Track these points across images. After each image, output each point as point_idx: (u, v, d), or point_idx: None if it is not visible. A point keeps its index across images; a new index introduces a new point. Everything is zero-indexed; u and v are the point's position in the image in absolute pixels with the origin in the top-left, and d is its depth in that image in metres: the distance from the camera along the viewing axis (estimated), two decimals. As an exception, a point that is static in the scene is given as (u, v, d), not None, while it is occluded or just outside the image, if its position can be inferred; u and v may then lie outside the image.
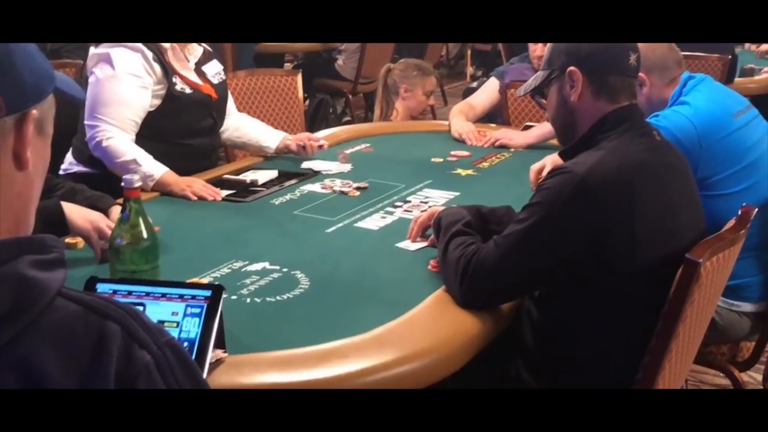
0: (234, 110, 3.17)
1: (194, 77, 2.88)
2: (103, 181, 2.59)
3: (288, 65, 7.07)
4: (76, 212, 2.02)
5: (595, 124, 1.85)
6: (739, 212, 1.90)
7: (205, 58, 2.98)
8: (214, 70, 3.00)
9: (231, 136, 3.13)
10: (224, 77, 3.05)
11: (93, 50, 2.77)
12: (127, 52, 2.72)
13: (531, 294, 1.90)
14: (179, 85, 2.80)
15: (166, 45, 2.80)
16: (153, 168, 2.64)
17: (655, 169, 1.80)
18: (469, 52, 9.26)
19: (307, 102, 5.99)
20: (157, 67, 2.76)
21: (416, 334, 1.71)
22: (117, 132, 2.67)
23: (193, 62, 2.92)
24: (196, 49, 2.95)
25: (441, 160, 3.16)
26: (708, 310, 1.93)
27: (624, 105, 1.86)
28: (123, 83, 2.70)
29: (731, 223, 1.88)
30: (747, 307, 2.47)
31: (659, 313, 1.72)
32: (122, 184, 1.68)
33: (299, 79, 4.01)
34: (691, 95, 2.45)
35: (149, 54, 2.74)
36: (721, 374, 2.54)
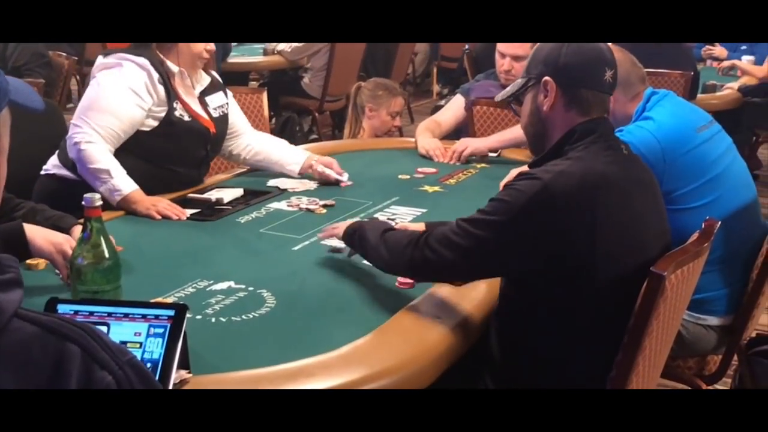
0: (249, 129, 3.14)
1: (196, 106, 2.86)
2: (83, 189, 2.49)
3: (253, 83, 7.06)
4: (39, 234, 1.96)
5: (564, 135, 1.87)
6: (703, 225, 1.91)
7: (211, 88, 2.95)
8: (218, 102, 2.97)
9: (249, 156, 3.10)
10: (226, 111, 3.00)
11: (101, 59, 2.77)
12: (134, 68, 2.72)
13: (497, 308, 1.90)
14: (179, 111, 2.78)
15: (175, 68, 2.79)
16: (123, 183, 2.62)
17: (621, 182, 1.80)
18: (435, 70, 9.30)
19: (273, 120, 5.97)
20: (161, 89, 2.74)
21: (383, 352, 1.70)
22: (98, 139, 2.65)
23: (199, 90, 2.90)
24: (203, 77, 2.92)
25: (408, 177, 3.16)
26: (674, 323, 1.93)
27: (593, 118, 1.88)
28: (120, 96, 2.68)
29: (695, 236, 1.89)
30: (713, 320, 2.49)
31: (625, 327, 1.72)
32: (83, 203, 1.66)
33: (264, 96, 4.00)
34: (655, 110, 2.48)
35: (155, 75, 2.73)
36: (689, 388, 2.55)
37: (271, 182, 2.99)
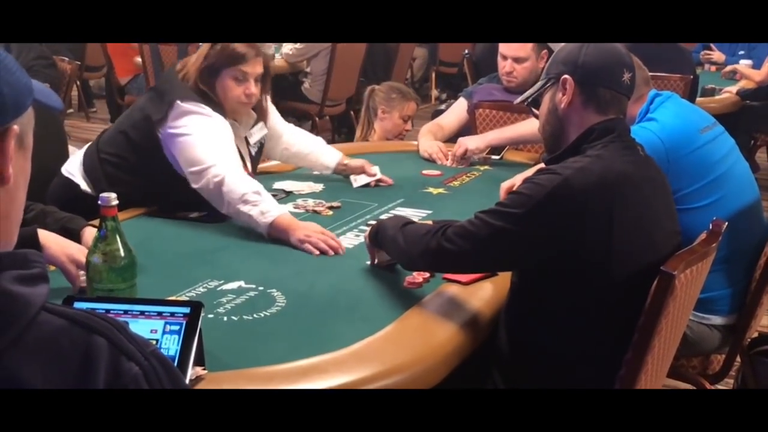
0: (286, 129, 3.05)
1: (245, 153, 2.72)
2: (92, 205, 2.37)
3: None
4: (52, 241, 1.94)
5: (582, 133, 1.88)
6: (711, 226, 1.92)
7: (254, 124, 2.80)
8: (258, 135, 2.82)
9: (283, 158, 3.07)
10: (264, 141, 2.88)
11: (178, 107, 2.53)
12: (220, 119, 2.57)
13: (506, 306, 1.91)
14: None
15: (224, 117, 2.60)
16: (273, 206, 2.41)
17: (637, 182, 1.82)
18: (433, 75, 9.32)
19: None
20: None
21: (394, 349, 1.72)
22: (229, 170, 2.45)
23: (245, 132, 2.75)
24: (250, 115, 2.77)
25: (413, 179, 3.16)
26: (681, 322, 1.95)
27: (611, 118, 1.89)
28: (221, 129, 2.55)
29: (703, 236, 1.90)
30: (717, 320, 2.50)
31: (634, 325, 1.73)
32: (99, 202, 1.66)
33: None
34: (658, 112, 2.49)
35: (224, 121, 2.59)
36: (693, 387, 2.56)
37: (277, 185, 2.99)
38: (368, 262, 2.20)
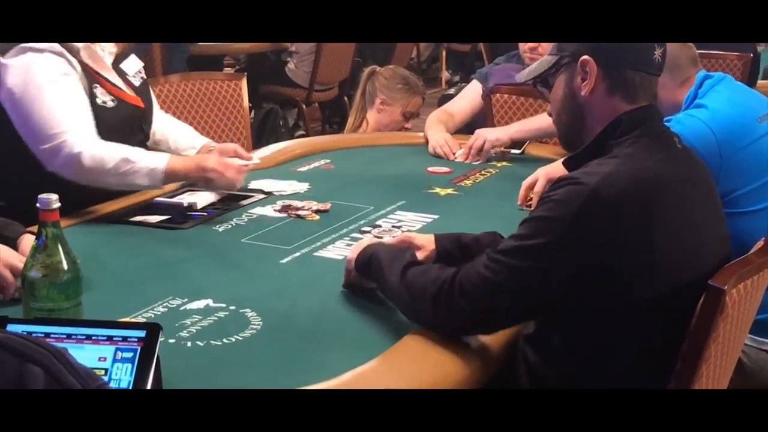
0: (156, 109, 3.08)
1: (118, 81, 2.79)
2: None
3: (228, 70, 7.09)
4: None
5: (607, 126, 1.87)
6: (769, 232, 1.93)
7: (122, 55, 2.88)
8: (135, 67, 2.92)
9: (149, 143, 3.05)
10: (144, 76, 2.97)
11: (2, 60, 2.63)
12: (50, 57, 2.62)
13: (529, 333, 1.91)
14: (100, 98, 2.70)
15: (79, 44, 2.68)
16: (153, 160, 2.61)
17: (676, 183, 1.81)
18: (443, 54, 9.34)
19: (252, 113, 6.00)
20: (80, 71, 2.67)
21: (393, 380, 1.72)
22: (84, 138, 2.58)
23: (109, 59, 2.82)
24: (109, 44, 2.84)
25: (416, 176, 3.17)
26: (735, 348, 1.95)
27: (642, 105, 1.88)
28: (64, 85, 2.61)
29: (760, 244, 1.90)
30: (779, 345, 2.50)
31: (677, 352, 1.74)
32: (37, 204, 1.67)
33: (244, 84, 4.03)
34: (709, 97, 2.49)
35: (70, 58, 2.65)
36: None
37: (255, 183, 3.00)
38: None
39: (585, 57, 1.87)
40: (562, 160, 2.00)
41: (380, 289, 2.04)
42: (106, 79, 2.75)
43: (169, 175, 2.65)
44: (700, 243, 1.84)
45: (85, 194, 2.64)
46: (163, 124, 3.10)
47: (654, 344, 1.79)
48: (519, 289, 1.76)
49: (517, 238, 1.79)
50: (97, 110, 2.68)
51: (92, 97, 2.68)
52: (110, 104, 2.73)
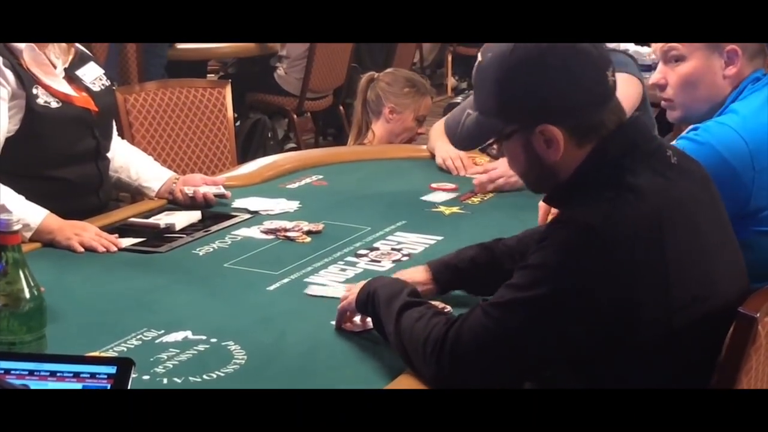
0: (114, 134, 3.14)
1: (63, 86, 2.84)
2: None
3: (212, 76, 7.11)
4: None
5: (586, 169, 1.81)
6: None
7: (79, 62, 2.96)
8: (94, 74, 2.99)
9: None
10: (108, 83, 3.04)
11: None
12: None
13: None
14: (42, 98, 2.77)
15: (21, 45, 2.74)
16: (28, 212, 2.59)
17: (682, 206, 1.80)
18: (449, 58, 9.33)
19: (238, 124, 6.01)
20: (10, 75, 2.72)
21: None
22: None
23: (62, 68, 2.89)
24: (63, 50, 2.91)
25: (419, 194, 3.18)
26: (770, 382, 1.95)
27: (621, 125, 1.83)
28: None
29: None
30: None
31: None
32: (-5, 227, 1.68)
33: (228, 91, 4.03)
34: (744, 101, 2.44)
35: (3, 60, 2.70)
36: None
37: (239, 202, 3.01)
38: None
39: (543, 127, 1.80)
40: (541, 200, 1.98)
41: (377, 332, 2.03)
42: (50, 85, 2.80)
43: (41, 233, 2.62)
44: (714, 267, 1.82)
45: (59, 214, 2.66)
46: (125, 151, 3.15)
47: (680, 383, 1.79)
48: (518, 344, 1.75)
49: (509, 288, 1.78)
50: (39, 110, 2.76)
51: (32, 98, 2.74)
52: (54, 105, 2.80)
